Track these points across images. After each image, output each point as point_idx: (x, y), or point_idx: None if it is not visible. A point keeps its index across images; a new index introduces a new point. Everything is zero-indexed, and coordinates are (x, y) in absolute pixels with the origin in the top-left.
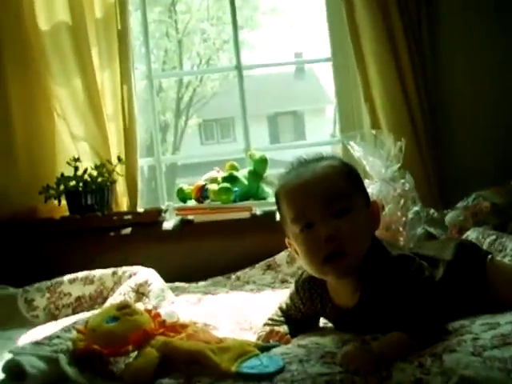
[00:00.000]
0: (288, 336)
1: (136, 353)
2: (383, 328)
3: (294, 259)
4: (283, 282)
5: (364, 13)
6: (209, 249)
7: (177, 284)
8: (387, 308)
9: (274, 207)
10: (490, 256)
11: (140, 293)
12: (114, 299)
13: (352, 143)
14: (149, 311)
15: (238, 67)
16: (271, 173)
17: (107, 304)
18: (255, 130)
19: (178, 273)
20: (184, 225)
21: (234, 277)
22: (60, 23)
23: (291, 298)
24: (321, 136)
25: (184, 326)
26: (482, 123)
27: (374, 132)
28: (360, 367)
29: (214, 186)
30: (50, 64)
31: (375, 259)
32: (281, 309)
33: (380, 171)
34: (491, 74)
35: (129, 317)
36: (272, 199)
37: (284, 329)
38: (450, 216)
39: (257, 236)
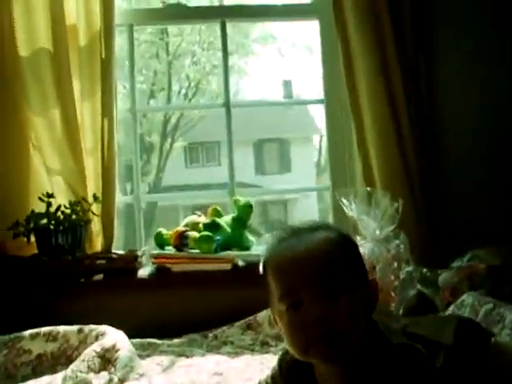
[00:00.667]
0: None
1: None
2: None
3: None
4: (264, 344)
5: (360, 59)
6: (185, 301)
7: (149, 340)
8: None
9: (258, 259)
10: (493, 338)
11: (106, 359)
12: (77, 366)
13: (345, 201)
14: None
15: (226, 104)
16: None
17: (69, 371)
18: (241, 156)
19: (151, 325)
20: (160, 273)
21: (211, 335)
22: (41, 50)
23: (273, 377)
24: (306, 164)
25: None
26: (482, 183)
27: (368, 189)
28: None
29: (194, 234)
30: (27, 92)
31: (369, 345)
32: None
33: (374, 231)
34: (488, 128)
35: None
36: (256, 250)
37: None
38: (443, 277)
39: (238, 290)
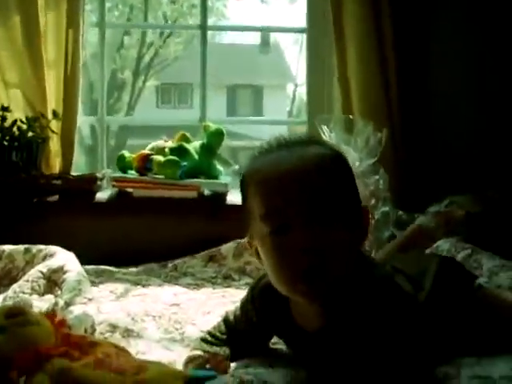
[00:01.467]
0: (226, 363)
1: (24, 380)
2: (349, 359)
3: (241, 252)
4: (226, 277)
5: None
6: (146, 229)
7: (104, 267)
8: (358, 339)
9: (225, 189)
10: (477, 281)
11: (52, 281)
12: (20, 287)
13: (325, 127)
14: (51, 317)
15: (203, 27)
16: (226, 145)
17: (10, 291)
18: (213, 100)
19: (108, 253)
20: (121, 198)
21: (170, 265)
22: None
23: (243, 307)
24: (278, 113)
25: (94, 344)
26: (465, 125)
27: (351, 117)
28: None
29: (159, 158)
30: None
31: (355, 279)
32: (226, 321)
33: (353, 163)
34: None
35: (18, 329)
36: (224, 179)
37: (224, 351)
38: (420, 221)
39: (202, 220)
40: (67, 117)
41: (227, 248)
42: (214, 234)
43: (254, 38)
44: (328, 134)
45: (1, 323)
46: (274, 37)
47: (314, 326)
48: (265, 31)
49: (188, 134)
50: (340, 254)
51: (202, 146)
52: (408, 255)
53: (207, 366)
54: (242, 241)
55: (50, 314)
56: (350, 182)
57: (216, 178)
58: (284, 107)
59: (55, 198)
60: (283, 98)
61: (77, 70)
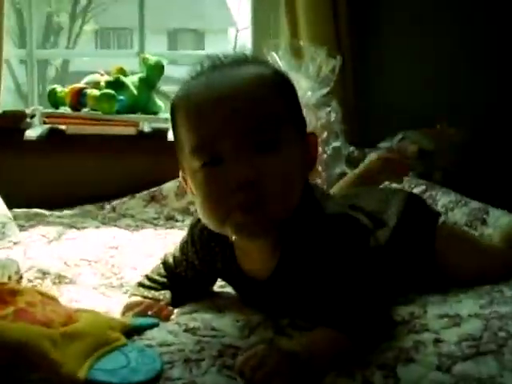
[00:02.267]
0: (169, 309)
1: None
2: (301, 304)
3: (184, 191)
4: (169, 219)
5: None
6: (81, 168)
7: (35, 210)
8: (312, 281)
9: (167, 125)
10: (441, 219)
11: None
12: None
13: (274, 54)
14: None
15: None
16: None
17: None
18: (153, 45)
19: (40, 195)
20: (52, 135)
21: (108, 207)
22: None
23: (183, 248)
24: None
25: (15, 293)
26: (416, 59)
27: (301, 43)
28: (278, 382)
29: (94, 92)
30: None
31: (304, 215)
32: (165, 263)
33: (304, 93)
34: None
35: None
36: (164, 115)
37: (165, 296)
38: (371, 157)
39: (142, 158)
40: None
41: (169, 187)
42: (155, 172)
43: None
44: (276, 61)
45: None
46: None
47: (263, 271)
48: None
49: (125, 68)
50: (282, 184)
51: (141, 80)
52: (365, 190)
53: (149, 313)
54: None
55: None
56: (291, 105)
57: (156, 113)
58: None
59: None
60: (225, 43)
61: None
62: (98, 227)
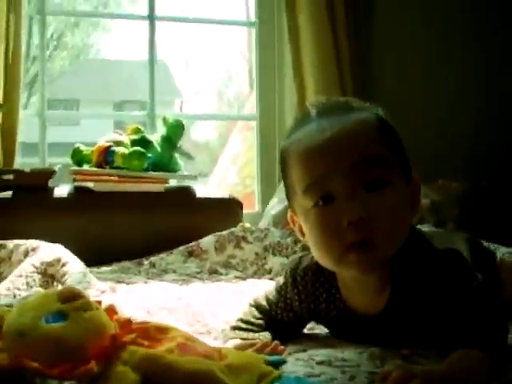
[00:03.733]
0: (282, 348)
1: (101, 374)
2: (416, 334)
3: (223, 246)
4: (212, 272)
5: None
6: (110, 226)
7: None
8: (425, 316)
9: (194, 180)
10: (498, 256)
11: (48, 275)
12: (12, 283)
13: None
14: (98, 302)
15: (151, 16)
16: None
17: (3, 288)
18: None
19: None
20: (81, 193)
21: (146, 263)
22: None
23: (281, 291)
24: None
25: (163, 330)
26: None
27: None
28: None
29: (122, 149)
30: None
31: (413, 252)
32: (258, 308)
33: None
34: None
35: (83, 313)
36: (186, 173)
37: (265, 337)
38: None
39: (171, 214)
40: (9, 106)
41: (207, 242)
42: (185, 228)
43: (140, 55)
44: None
45: (59, 308)
46: (159, 54)
47: (372, 308)
48: (216, 23)
49: (141, 127)
50: (391, 221)
51: (163, 139)
52: (431, 233)
53: (265, 351)
54: (222, 233)
55: (96, 301)
56: (395, 147)
57: (177, 171)
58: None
59: (8, 193)
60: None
61: (19, 58)
62: (146, 282)
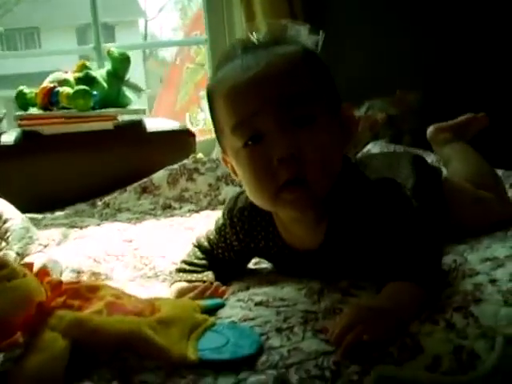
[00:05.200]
0: (223, 289)
1: (28, 343)
2: (352, 273)
3: (176, 180)
4: (166, 207)
5: None
6: (62, 169)
7: (27, 216)
8: (365, 243)
9: (143, 115)
10: (443, 173)
11: None
12: None
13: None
14: (29, 266)
15: None
16: None
17: None
18: (63, 42)
19: (24, 200)
20: (29, 138)
21: (100, 203)
22: None
23: (220, 232)
24: (133, 52)
25: (92, 289)
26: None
27: (284, 21)
28: (374, 336)
29: (67, 89)
30: None
31: (348, 184)
32: (200, 247)
33: None
34: None
35: (8, 283)
36: (135, 106)
37: (209, 277)
38: None
39: (122, 151)
40: None
41: (159, 177)
42: (138, 164)
43: None
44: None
45: None
46: None
47: (311, 243)
48: None
49: (88, 63)
50: (323, 157)
51: (109, 74)
52: (369, 157)
53: (206, 294)
54: (174, 167)
55: (27, 263)
56: (323, 80)
57: (126, 106)
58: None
59: None
60: (136, 35)
61: None
62: (99, 224)
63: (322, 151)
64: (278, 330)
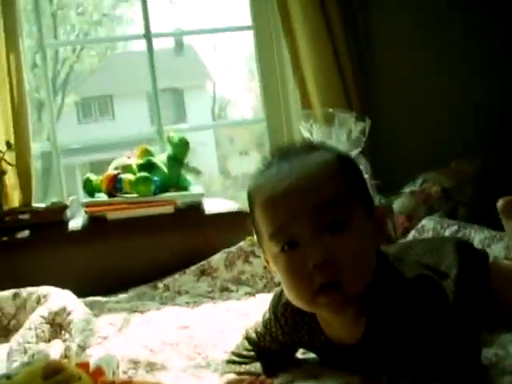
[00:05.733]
0: (270, 381)
1: None
2: (393, 367)
3: (232, 262)
4: (223, 290)
5: None
6: (126, 252)
7: (92, 299)
8: (400, 344)
9: (201, 198)
10: (491, 258)
11: (56, 325)
12: (22, 337)
13: (305, 124)
14: (85, 366)
15: (147, 36)
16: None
17: (14, 343)
18: (134, 109)
19: (90, 283)
20: (95, 223)
21: (161, 286)
22: None
23: (266, 325)
24: (202, 113)
25: None
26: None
27: (330, 110)
28: None
29: (129, 176)
30: None
31: (384, 281)
32: (249, 339)
33: None
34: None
35: None
36: (195, 188)
37: (257, 368)
38: (398, 203)
39: (183, 234)
40: (21, 146)
41: (217, 259)
42: (197, 246)
43: (167, 43)
44: (308, 130)
45: None
46: (186, 39)
47: (351, 338)
48: (215, 32)
49: (149, 148)
50: (356, 261)
51: (169, 158)
52: (413, 243)
53: None
54: (231, 250)
55: (83, 362)
56: (357, 183)
57: (186, 189)
58: (207, 107)
59: (25, 233)
60: (205, 98)
61: (23, 94)
62: (159, 308)
63: (354, 255)
64: None
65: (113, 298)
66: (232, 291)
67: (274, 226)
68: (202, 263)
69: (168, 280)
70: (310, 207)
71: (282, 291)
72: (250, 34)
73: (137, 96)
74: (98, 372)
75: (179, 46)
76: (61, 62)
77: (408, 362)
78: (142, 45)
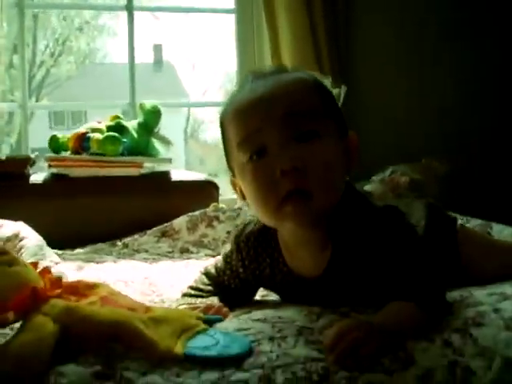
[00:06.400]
0: (227, 309)
1: (20, 323)
2: (356, 299)
3: (195, 225)
4: (183, 251)
5: None
6: (87, 210)
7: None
8: (366, 274)
9: (169, 164)
10: (459, 222)
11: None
12: None
13: None
14: (34, 264)
15: (129, 7)
16: None
17: None
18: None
19: (48, 238)
20: (57, 179)
21: (120, 244)
22: None
23: (226, 258)
24: (175, 131)
25: (91, 287)
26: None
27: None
28: (367, 348)
29: (97, 135)
30: None
31: (351, 209)
32: (207, 274)
33: None
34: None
35: (7, 268)
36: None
37: (213, 301)
38: (367, 188)
39: (146, 198)
40: None
41: (179, 222)
42: (160, 211)
43: (148, 56)
44: None
45: None
46: (165, 55)
47: (314, 269)
48: (199, 11)
49: (121, 115)
50: (325, 173)
51: (140, 124)
52: (387, 200)
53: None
54: (195, 213)
55: (32, 263)
56: (330, 104)
57: (154, 157)
58: (180, 126)
59: None
60: (179, 117)
61: None
62: (115, 261)
63: (324, 166)
64: (271, 339)
65: (68, 252)
66: (192, 252)
67: (244, 133)
68: (164, 225)
69: (127, 239)
70: (280, 114)
71: (247, 223)
72: (233, 54)
73: (112, 110)
74: (46, 270)
75: (158, 63)
76: (37, 65)
77: (373, 292)
78: (121, 57)
